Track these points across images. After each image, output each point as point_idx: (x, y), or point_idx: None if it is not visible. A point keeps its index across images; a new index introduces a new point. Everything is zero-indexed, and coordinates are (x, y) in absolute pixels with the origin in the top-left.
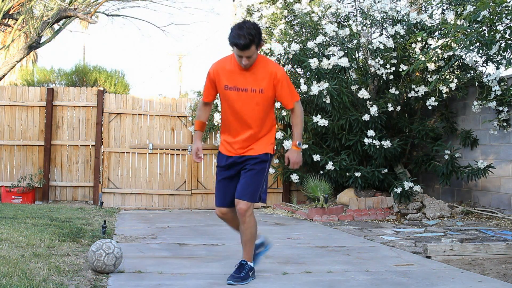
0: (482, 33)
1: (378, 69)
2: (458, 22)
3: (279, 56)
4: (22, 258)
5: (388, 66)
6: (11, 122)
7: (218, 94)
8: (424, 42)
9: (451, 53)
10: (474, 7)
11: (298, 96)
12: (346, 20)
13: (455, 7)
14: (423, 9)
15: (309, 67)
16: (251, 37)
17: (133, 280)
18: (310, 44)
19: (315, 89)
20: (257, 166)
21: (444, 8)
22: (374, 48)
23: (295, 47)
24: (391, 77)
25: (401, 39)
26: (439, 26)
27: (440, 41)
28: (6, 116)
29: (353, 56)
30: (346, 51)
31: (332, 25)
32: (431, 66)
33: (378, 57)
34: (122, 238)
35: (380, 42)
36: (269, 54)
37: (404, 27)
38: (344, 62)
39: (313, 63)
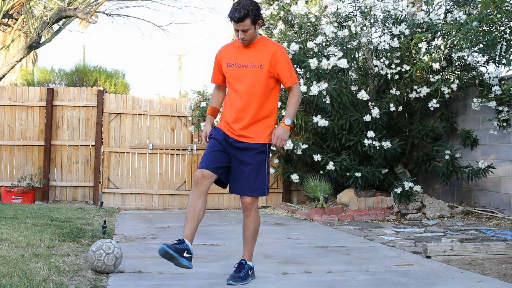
0: (484, 33)
1: (382, 69)
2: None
3: None
4: (22, 258)
5: (393, 66)
6: (11, 122)
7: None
8: (427, 43)
9: (455, 54)
10: (481, 6)
11: (297, 79)
12: (346, 20)
13: (458, 8)
14: (423, 8)
15: (309, 67)
16: (246, 10)
17: (133, 280)
18: (310, 44)
19: (314, 89)
20: (255, 158)
21: (448, 7)
22: (378, 47)
23: (294, 47)
24: (396, 77)
25: (405, 39)
26: (441, 26)
27: (442, 41)
28: (6, 116)
29: (353, 56)
30: (345, 52)
31: (332, 25)
32: (436, 65)
33: (383, 57)
34: (122, 238)
35: (385, 41)
36: None
37: (409, 26)
38: (343, 63)
39: (312, 63)
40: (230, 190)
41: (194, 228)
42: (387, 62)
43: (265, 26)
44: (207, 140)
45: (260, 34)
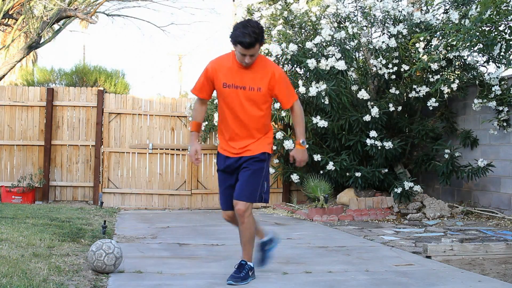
0: (483, 33)
1: (380, 68)
2: (466, 23)
3: (277, 56)
4: (22, 258)
5: (390, 66)
6: (11, 122)
7: (215, 92)
8: (426, 42)
9: (453, 53)
10: (479, 7)
11: (296, 96)
12: (345, 21)
13: (458, 7)
14: (423, 8)
15: (308, 68)
16: (255, 35)
17: (133, 280)
18: (309, 45)
19: (313, 90)
20: (254, 165)
21: (447, 7)
22: (376, 47)
23: (293, 47)
24: (393, 77)
25: (403, 39)
26: (440, 26)
27: (442, 41)
28: (6, 116)
29: (352, 57)
30: (343, 53)
31: (329, 28)
32: (434, 66)
33: (380, 57)
34: (122, 238)
35: (383, 42)
36: (268, 54)
37: (407, 26)
38: (341, 65)
39: (311, 63)
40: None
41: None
42: (384, 62)
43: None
44: (197, 158)
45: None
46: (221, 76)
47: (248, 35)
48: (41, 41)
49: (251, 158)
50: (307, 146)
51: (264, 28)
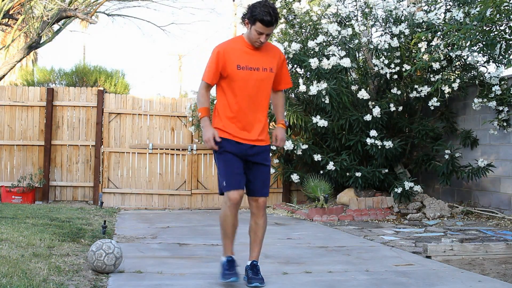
0: (483, 33)
1: (382, 68)
2: (467, 21)
3: None
4: (22, 258)
5: (392, 65)
6: (11, 122)
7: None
8: (427, 42)
9: (455, 53)
10: (480, 6)
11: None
12: (347, 20)
13: (458, 7)
14: (424, 8)
15: (309, 67)
16: (275, 15)
17: (133, 280)
18: (311, 44)
19: (313, 89)
20: (268, 159)
21: (448, 7)
22: (378, 47)
23: (295, 46)
24: (395, 76)
25: (405, 39)
26: (441, 26)
27: (443, 40)
28: (6, 116)
29: (355, 56)
30: (348, 51)
31: (334, 24)
32: (436, 65)
33: (383, 57)
34: (122, 238)
35: (385, 41)
36: None
37: (408, 26)
38: (346, 62)
39: (313, 63)
40: (248, 193)
41: (233, 242)
42: (386, 62)
43: None
44: (216, 142)
45: None
46: (234, 58)
47: (269, 13)
48: (41, 41)
49: (264, 151)
50: (302, 147)
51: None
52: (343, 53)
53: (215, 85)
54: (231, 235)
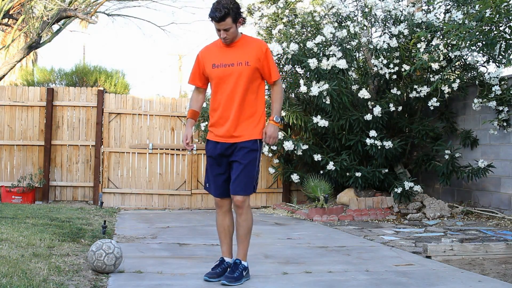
0: (484, 32)
1: (381, 68)
2: (466, 22)
3: (278, 56)
4: (22, 258)
5: (391, 66)
6: (11, 122)
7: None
8: (426, 42)
9: (454, 53)
10: (480, 6)
11: (279, 75)
12: (346, 20)
13: (458, 7)
14: (424, 8)
15: (309, 67)
16: (226, 10)
17: (133, 280)
18: (310, 44)
19: (315, 90)
20: (247, 157)
21: (448, 7)
22: (377, 47)
23: (294, 47)
24: (394, 77)
25: (404, 39)
26: (441, 26)
27: (442, 40)
28: (6, 116)
29: (353, 56)
30: (344, 52)
31: (331, 26)
32: (435, 66)
33: (381, 57)
34: (122, 238)
35: (384, 42)
36: None
37: (408, 26)
38: (342, 64)
39: (312, 63)
40: (230, 192)
41: (230, 244)
42: (385, 62)
43: (245, 23)
44: (187, 143)
45: (241, 33)
46: (210, 59)
47: (218, 9)
48: (41, 41)
49: (242, 148)
50: (302, 147)
51: (240, 5)
52: (340, 54)
53: (204, 87)
54: (221, 235)
